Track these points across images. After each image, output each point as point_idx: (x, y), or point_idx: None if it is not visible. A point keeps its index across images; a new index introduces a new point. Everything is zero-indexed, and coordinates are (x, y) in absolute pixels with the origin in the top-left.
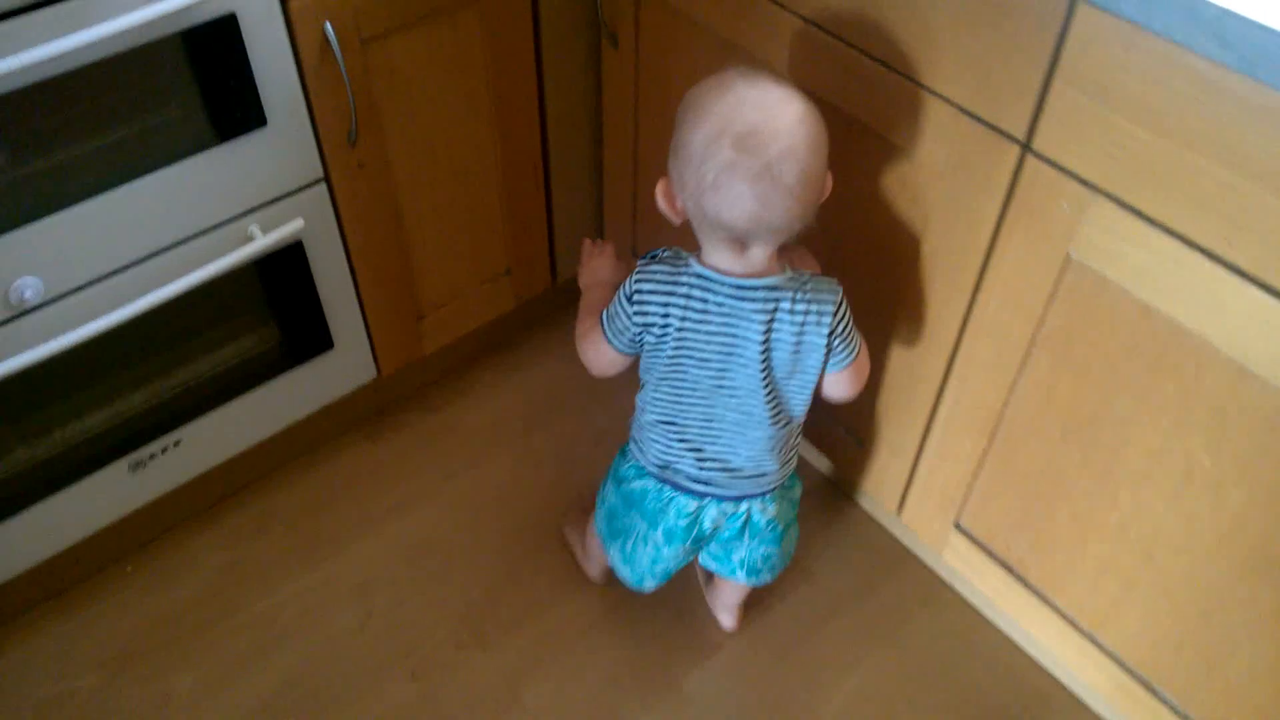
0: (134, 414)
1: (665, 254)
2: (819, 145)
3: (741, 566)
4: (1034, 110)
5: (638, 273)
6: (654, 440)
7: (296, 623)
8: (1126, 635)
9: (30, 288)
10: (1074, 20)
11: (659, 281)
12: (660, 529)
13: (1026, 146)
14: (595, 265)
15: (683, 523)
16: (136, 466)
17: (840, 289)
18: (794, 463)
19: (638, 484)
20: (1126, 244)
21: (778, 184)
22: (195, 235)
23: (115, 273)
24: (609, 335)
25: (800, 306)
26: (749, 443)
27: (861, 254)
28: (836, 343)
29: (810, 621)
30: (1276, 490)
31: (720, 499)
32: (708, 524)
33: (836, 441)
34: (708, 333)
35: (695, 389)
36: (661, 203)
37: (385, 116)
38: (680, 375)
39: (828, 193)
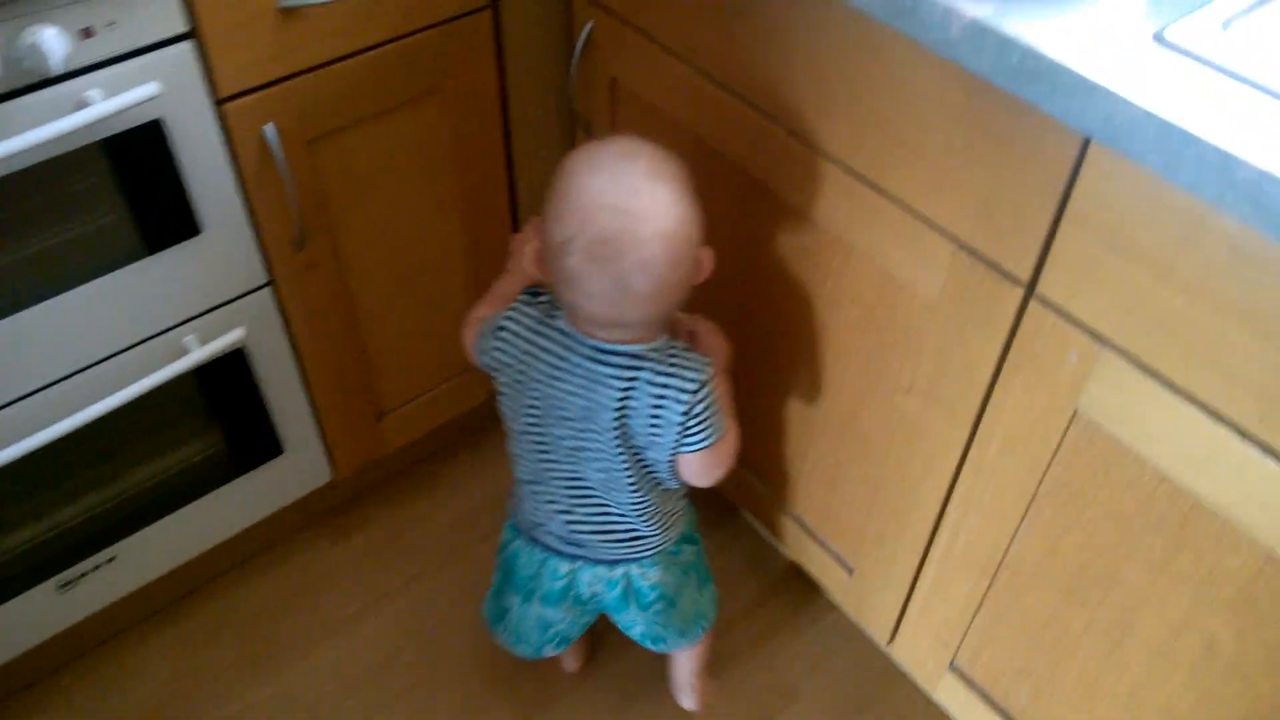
0: (64, 531)
1: (544, 299)
2: (679, 256)
3: (645, 639)
4: (1040, 253)
5: (512, 309)
6: (524, 499)
7: None
8: None
9: None
10: (1086, 163)
11: (525, 327)
12: (536, 597)
13: (1031, 289)
14: (524, 252)
15: (558, 585)
16: (65, 586)
17: (708, 369)
18: (678, 527)
19: (513, 545)
20: (1142, 405)
21: (628, 294)
22: (128, 348)
23: (44, 389)
24: (479, 338)
25: (661, 379)
26: (617, 506)
27: (851, 377)
28: (692, 424)
29: None
30: None
31: (594, 563)
32: (585, 590)
33: (826, 566)
34: (565, 391)
35: (557, 448)
36: (531, 267)
37: (338, 216)
38: (540, 431)
39: (706, 273)
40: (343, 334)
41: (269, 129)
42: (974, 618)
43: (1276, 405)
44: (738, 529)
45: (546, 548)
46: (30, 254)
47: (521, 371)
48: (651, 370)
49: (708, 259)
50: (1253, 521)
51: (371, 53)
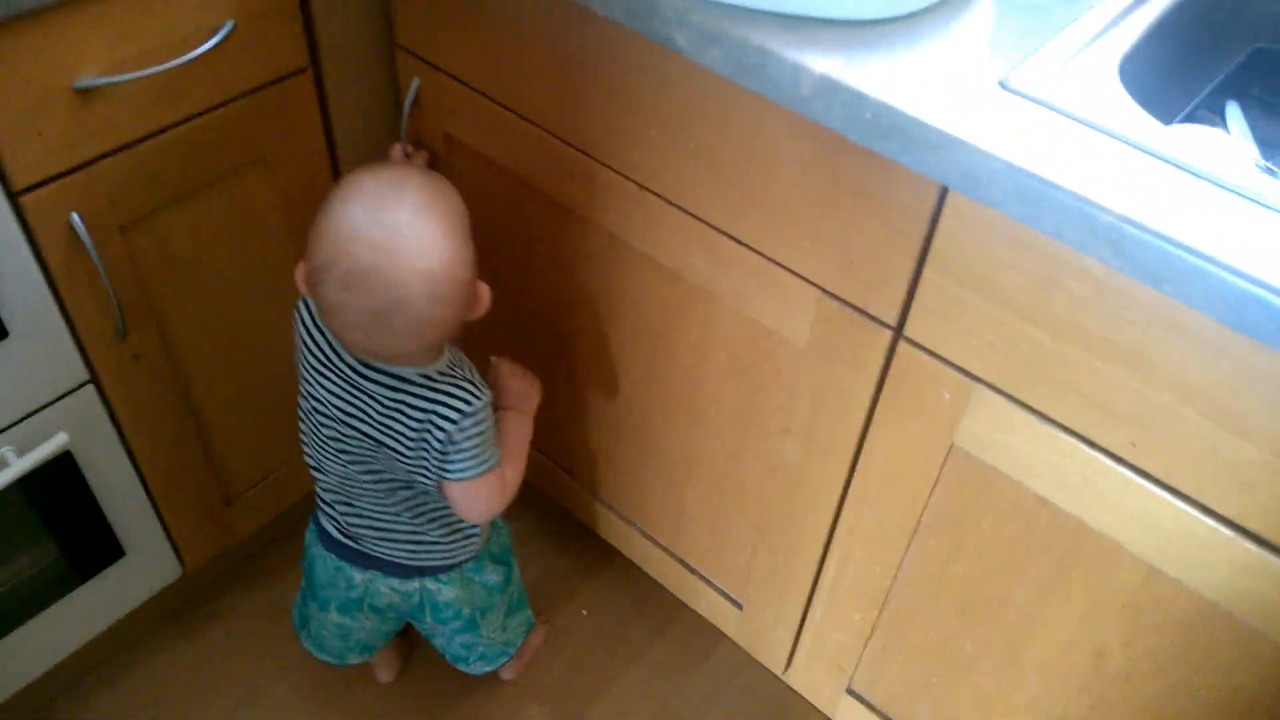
0: None
1: None
2: (441, 294)
3: (445, 653)
4: (905, 298)
5: (301, 300)
6: (316, 486)
7: None
8: None
9: None
10: (945, 210)
11: (305, 321)
12: (334, 605)
13: (899, 332)
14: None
15: (353, 594)
16: None
17: (480, 399)
18: (474, 543)
19: (312, 551)
20: (1018, 437)
21: (384, 329)
22: None
23: None
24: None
25: (426, 404)
26: (392, 510)
27: (726, 421)
28: (453, 451)
29: None
30: (1189, 687)
31: (387, 573)
32: (381, 600)
33: (714, 604)
34: (329, 392)
35: (327, 438)
36: (302, 287)
37: (162, 300)
38: (314, 423)
39: (483, 308)
40: (177, 423)
41: (75, 218)
42: (867, 643)
43: (1147, 431)
44: (624, 570)
45: (340, 555)
46: None
47: (302, 361)
48: (417, 394)
49: (485, 294)
50: (1134, 540)
51: (184, 126)
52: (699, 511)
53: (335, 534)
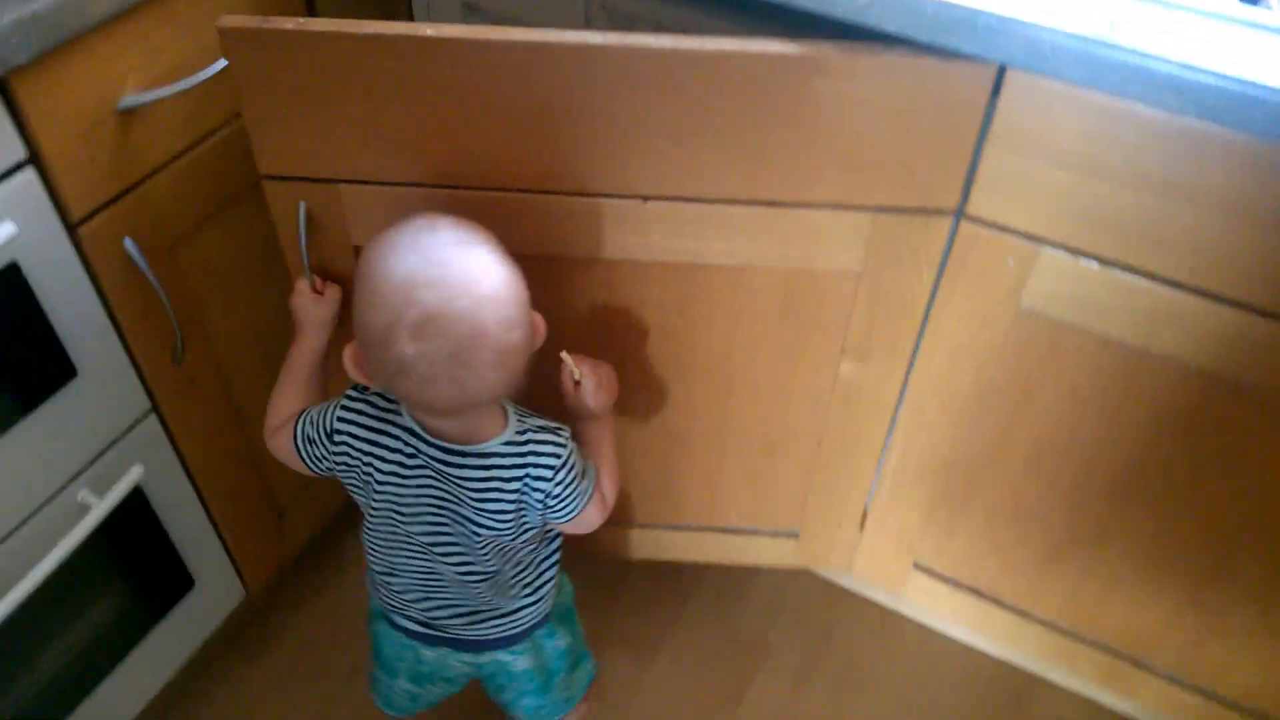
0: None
1: (374, 393)
2: (512, 318)
3: (509, 710)
4: (965, 182)
5: (342, 408)
6: (380, 589)
7: None
8: (1112, 626)
9: None
10: (1003, 90)
11: (365, 427)
12: (402, 674)
13: (959, 214)
14: (309, 305)
15: (424, 669)
16: None
17: (565, 446)
18: (547, 602)
19: (378, 627)
20: (1085, 288)
21: (471, 369)
22: (21, 524)
23: None
24: (299, 440)
25: (518, 473)
26: (477, 594)
27: (761, 377)
28: (555, 503)
29: (787, 695)
30: (1255, 494)
31: (459, 649)
32: (452, 672)
33: (767, 547)
34: (418, 487)
35: (409, 544)
36: (353, 371)
37: (206, 319)
38: (392, 528)
39: (541, 337)
40: (231, 442)
41: (129, 243)
42: (933, 517)
43: (1203, 257)
44: (646, 571)
45: (410, 633)
46: None
47: (367, 473)
48: (506, 465)
49: (540, 321)
50: (1196, 356)
51: (216, 137)
52: (736, 477)
53: (406, 624)
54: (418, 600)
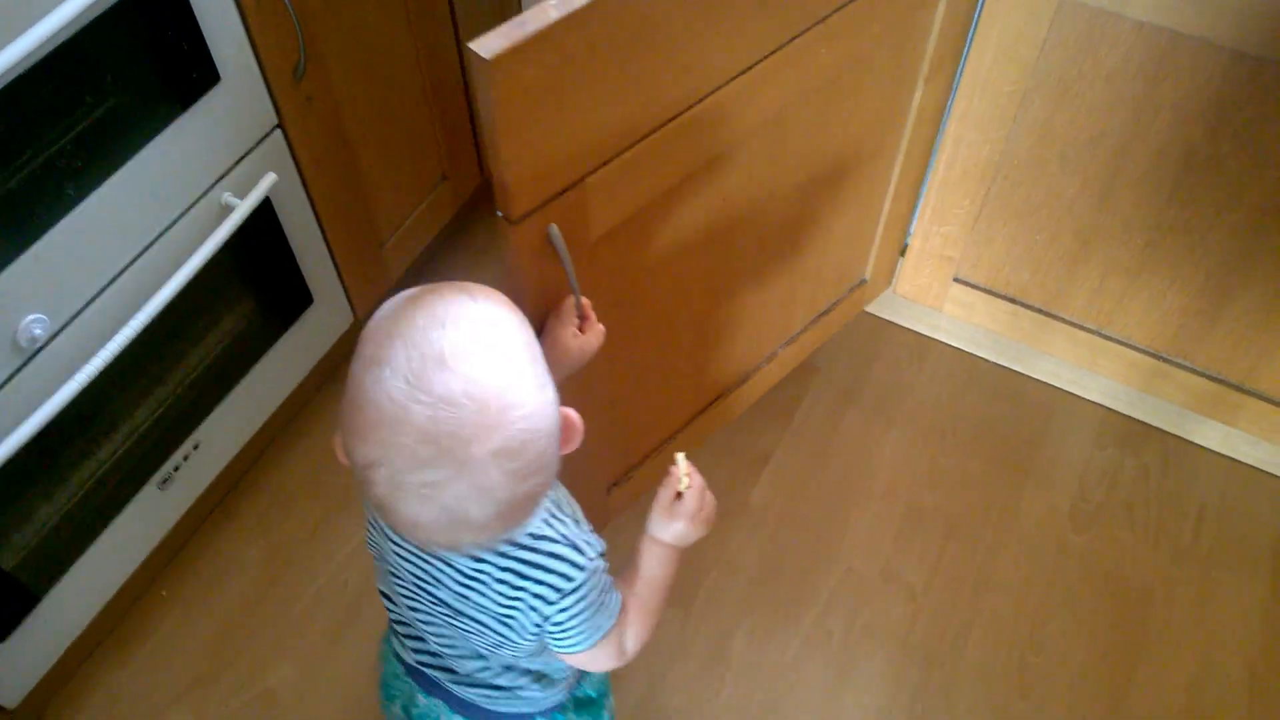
0: (149, 429)
1: None
2: (530, 463)
3: None
4: None
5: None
6: (385, 605)
7: (367, 582)
8: (1134, 321)
9: (38, 324)
10: None
11: None
12: (398, 704)
13: None
14: (571, 343)
15: (416, 713)
16: (165, 483)
17: (584, 569)
18: (559, 696)
19: (385, 647)
20: None
21: (465, 528)
22: (174, 221)
23: (111, 284)
24: None
25: (515, 580)
26: (469, 659)
27: (798, 192)
28: (555, 629)
29: (831, 411)
30: (1272, 171)
31: (453, 707)
32: None
33: (839, 312)
34: (399, 555)
35: (401, 581)
36: (342, 459)
37: (322, 42)
38: (387, 576)
39: (577, 438)
40: (343, 167)
41: None
42: (974, 225)
43: None
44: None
45: (408, 673)
46: (79, 138)
47: (369, 513)
48: (505, 561)
49: (576, 423)
50: (1222, 34)
51: None
52: (799, 290)
53: (404, 656)
54: (409, 638)
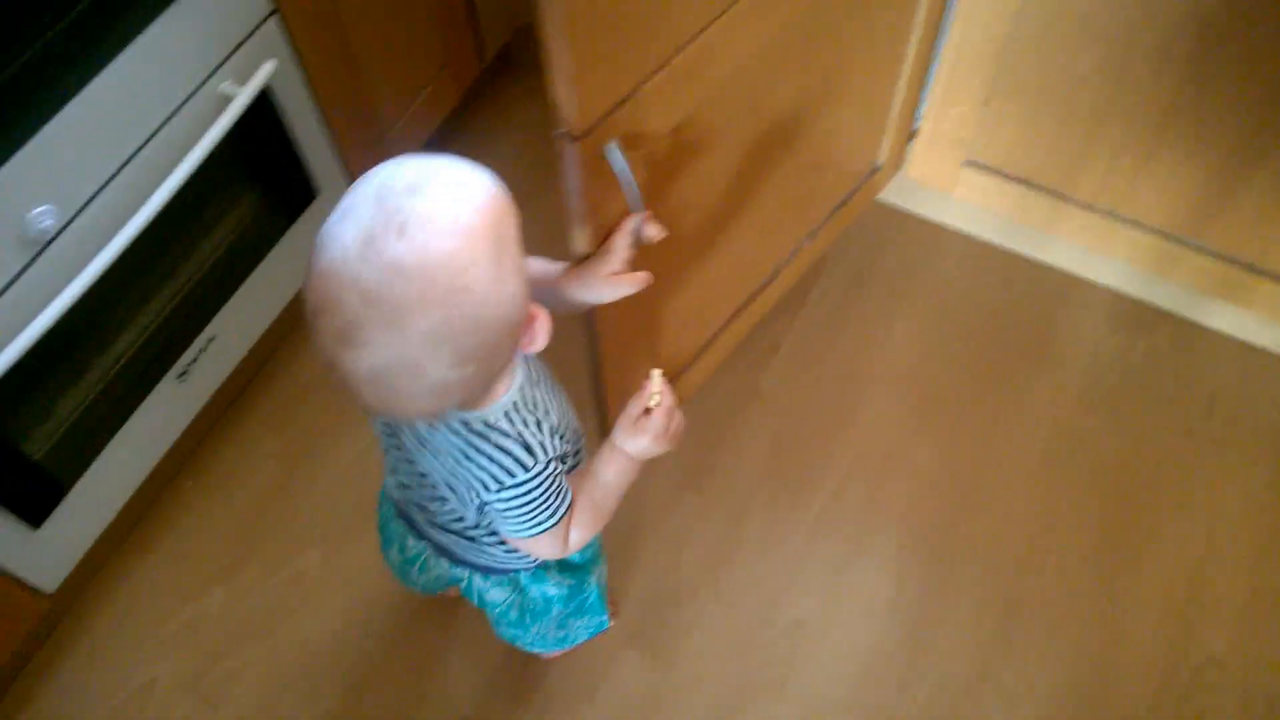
0: (164, 323)
1: None
2: (463, 350)
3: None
4: None
5: None
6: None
7: None
8: (1147, 202)
9: (47, 214)
10: None
11: None
12: (395, 548)
13: None
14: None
15: (409, 555)
16: (182, 376)
17: (529, 469)
18: (529, 559)
19: (382, 510)
20: None
21: (391, 394)
22: (175, 112)
23: (116, 175)
24: None
25: (471, 459)
26: (443, 506)
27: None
28: (495, 514)
29: (841, 299)
30: None
31: (438, 553)
32: (432, 573)
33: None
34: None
35: (384, 439)
36: None
37: None
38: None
39: (539, 340)
40: (342, 57)
41: None
42: (984, 108)
43: None
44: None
45: (399, 514)
46: (77, 20)
47: None
48: (465, 443)
49: (541, 325)
50: None
51: None
52: (798, 190)
53: (395, 498)
54: (391, 475)
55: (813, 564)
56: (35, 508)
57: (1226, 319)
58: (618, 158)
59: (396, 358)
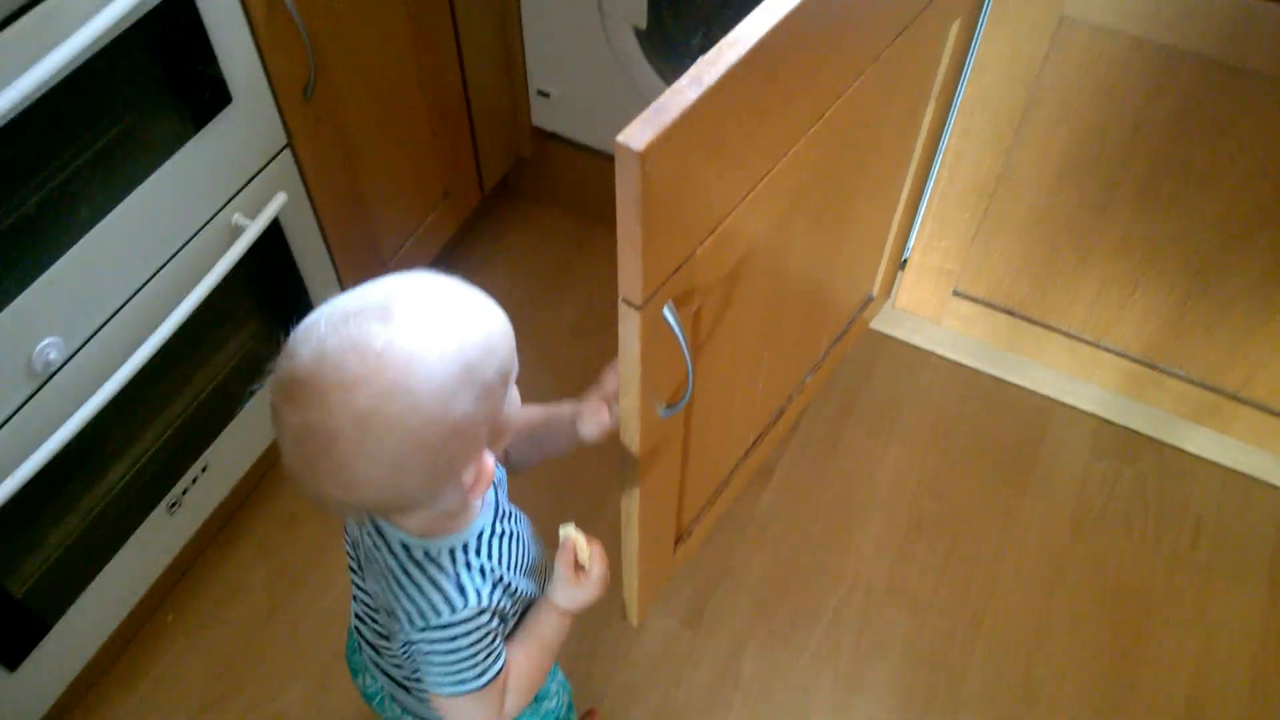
0: (159, 452)
1: None
2: (386, 453)
3: None
4: None
5: None
6: None
7: None
8: (1130, 332)
9: (53, 348)
10: None
11: None
12: (365, 695)
13: None
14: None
15: (374, 703)
16: (173, 507)
17: (446, 616)
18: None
19: (351, 639)
20: None
21: (305, 461)
22: (186, 243)
23: (124, 306)
24: None
25: (398, 589)
26: (385, 642)
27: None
28: (418, 657)
29: (831, 425)
30: (1266, 180)
31: (393, 699)
32: (394, 715)
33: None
34: None
35: (346, 533)
36: None
37: (330, 60)
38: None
39: (475, 490)
40: (348, 187)
41: None
42: (972, 243)
43: None
44: None
45: (369, 656)
46: (94, 159)
47: None
48: (399, 570)
49: (484, 473)
50: (1214, 48)
51: None
52: (807, 326)
53: (354, 627)
54: (355, 617)
55: (811, 700)
56: (14, 649)
57: (1209, 444)
58: (674, 318)
59: (321, 425)
